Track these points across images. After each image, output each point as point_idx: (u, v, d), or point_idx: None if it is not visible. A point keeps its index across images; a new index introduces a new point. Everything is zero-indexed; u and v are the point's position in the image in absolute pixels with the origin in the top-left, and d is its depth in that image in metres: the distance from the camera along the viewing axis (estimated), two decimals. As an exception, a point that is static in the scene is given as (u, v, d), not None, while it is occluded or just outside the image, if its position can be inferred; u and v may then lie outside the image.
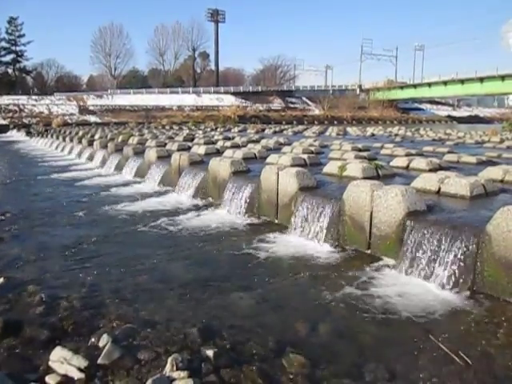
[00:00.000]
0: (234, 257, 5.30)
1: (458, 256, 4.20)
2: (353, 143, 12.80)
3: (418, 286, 4.33)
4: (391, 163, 8.49)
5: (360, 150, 11.05)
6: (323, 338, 3.44)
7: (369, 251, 5.29)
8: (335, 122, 52.28)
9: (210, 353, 3.02)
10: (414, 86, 74.26)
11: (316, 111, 69.40)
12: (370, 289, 4.30)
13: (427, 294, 4.16)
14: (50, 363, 2.93)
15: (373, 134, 21.58)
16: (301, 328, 3.56)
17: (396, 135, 20.44)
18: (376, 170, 7.26)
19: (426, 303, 3.96)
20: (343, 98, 73.73)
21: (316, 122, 51.13)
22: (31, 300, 3.99)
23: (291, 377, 2.87)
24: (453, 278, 4.18)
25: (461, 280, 4.16)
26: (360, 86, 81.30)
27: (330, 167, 7.75)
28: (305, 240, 5.77)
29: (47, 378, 2.77)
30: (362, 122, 55.74)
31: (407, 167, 8.28)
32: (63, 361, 2.89)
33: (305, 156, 8.93)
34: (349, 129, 26.23)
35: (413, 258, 4.57)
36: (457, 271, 4.18)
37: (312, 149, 11.07)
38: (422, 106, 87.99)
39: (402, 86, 76.68)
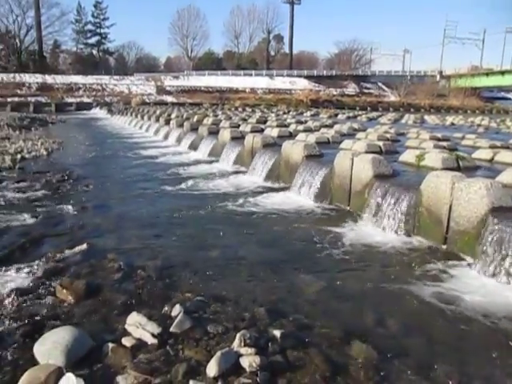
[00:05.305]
0: (303, 241, 5.27)
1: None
2: (431, 132, 12.16)
3: (496, 288, 4.02)
4: (473, 155, 7.97)
5: (439, 140, 10.48)
6: (392, 330, 3.34)
7: (444, 246, 5.02)
8: (412, 110, 49.78)
9: (277, 333, 3.05)
10: (502, 72, 68.62)
11: (392, 97, 66.65)
12: (442, 285, 4.08)
13: (506, 296, 3.87)
14: (126, 326, 3.11)
15: (453, 124, 20.37)
16: (369, 318, 3.47)
17: (479, 126, 19.12)
18: (457, 161, 6.86)
19: (504, 306, 3.69)
20: (421, 85, 70.01)
21: (391, 109, 49.01)
22: (110, 266, 4.25)
23: (358, 366, 2.81)
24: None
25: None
26: (440, 72, 76.64)
27: (407, 156, 7.43)
28: (377, 229, 5.60)
29: (123, 340, 2.94)
30: (440, 111, 52.60)
31: (491, 160, 7.74)
32: (138, 325, 3.05)
33: (380, 143, 8.63)
34: (426, 117, 24.94)
35: (493, 257, 4.26)
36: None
37: (388, 136, 10.67)
38: (510, 95, 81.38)
39: (488, 73, 71.18)
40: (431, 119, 23.09)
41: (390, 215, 5.53)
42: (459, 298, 3.82)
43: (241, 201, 7.04)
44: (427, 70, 78.42)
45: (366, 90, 70.28)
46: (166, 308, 3.38)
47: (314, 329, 3.24)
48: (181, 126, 15.90)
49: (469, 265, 4.51)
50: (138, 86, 53.71)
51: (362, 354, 2.94)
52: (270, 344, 2.94)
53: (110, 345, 2.88)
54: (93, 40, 77.91)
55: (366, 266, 4.57)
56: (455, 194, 4.92)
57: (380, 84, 74.59)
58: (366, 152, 7.29)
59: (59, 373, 2.49)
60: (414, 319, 3.53)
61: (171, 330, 3.07)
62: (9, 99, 41.26)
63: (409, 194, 5.47)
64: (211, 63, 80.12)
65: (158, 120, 19.81)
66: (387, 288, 4.03)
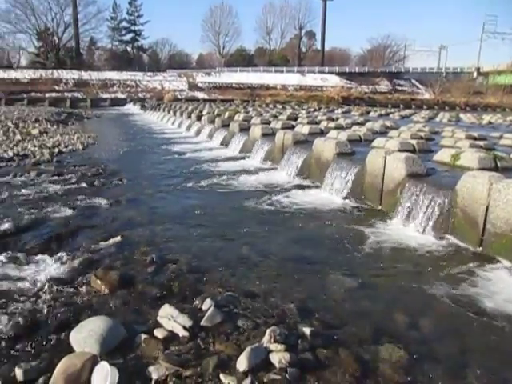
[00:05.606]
0: (333, 239, 5.23)
1: None
2: (467, 131, 11.81)
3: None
4: (512, 155, 7.70)
5: (475, 139, 10.16)
6: (423, 333, 3.27)
7: (480, 248, 4.88)
8: (446, 108, 48.42)
9: (307, 330, 3.05)
10: (545, 69, 65.82)
11: (426, 95, 65.10)
12: (477, 289, 3.96)
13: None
14: (158, 318, 3.18)
15: (490, 122, 19.68)
16: (400, 320, 3.42)
17: (518, 125, 18.43)
18: (494, 160, 6.63)
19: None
20: (457, 82, 68.06)
21: (425, 107, 47.75)
22: (143, 259, 4.35)
23: (388, 367, 2.78)
24: None
25: None
26: (478, 69, 74.11)
27: (442, 155, 7.25)
28: (409, 229, 5.50)
29: (155, 332, 3.01)
30: (476, 109, 50.89)
31: (532, 161, 7.43)
32: (170, 318, 3.11)
33: (414, 141, 8.45)
34: (462, 115, 24.17)
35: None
36: None
37: (421, 134, 10.42)
38: (553, 94, 77.87)
39: (530, 70, 68.39)
40: (467, 118, 22.42)
41: (423, 215, 5.42)
42: (495, 302, 3.71)
43: (271, 197, 7.05)
44: (464, 66, 76.03)
45: (398, 88, 68.88)
46: (197, 301, 3.44)
47: (343, 328, 3.22)
48: (212, 122, 16.04)
49: (506, 268, 4.38)
50: (171, 82, 54.32)
51: (393, 355, 2.90)
52: (299, 341, 2.94)
53: (143, 336, 2.95)
54: (127, 37, 79.34)
55: (397, 266, 4.50)
56: (493, 195, 4.77)
57: (414, 81, 72.97)
58: (399, 150, 7.16)
59: (94, 361, 2.56)
60: (447, 323, 3.46)
61: (202, 323, 3.12)
62: (47, 95, 42.63)
63: (443, 194, 5.35)
64: (243, 60, 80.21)
65: (189, 116, 20.04)
66: (419, 289, 3.95)
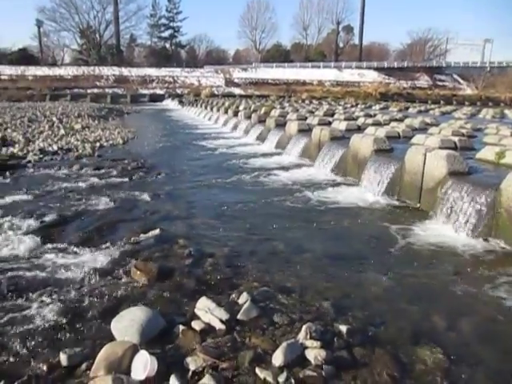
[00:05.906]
0: (369, 237, 5.16)
1: None
2: (513, 128, 11.34)
3: None
4: (563, 153, 7.33)
5: (522, 136, 9.75)
6: (464, 336, 3.18)
7: (526, 251, 4.70)
8: (490, 104, 46.51)
9: (343, 328, 3.03)
10: None
11: (468, 90, 62.84)
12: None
13: None
14: (195, 310, 3.24)
15: (538, 119, 18.82)
16: (439, 321, 3.33)
17: None
18: (543, 159, 6.36)
19: None
20: (502, 77, 65.17)
21: (467, 103, 46.03)
22: (181, 252, 4.44)
23: (426, 369, 2.73)
24: None
25: None
26: (527, 63, 70.97)
27: (485, 153, 7.00)
28: (450, 229, 5.34)
29: (193, 323, 3.07)
30: (523, 105, 48.72)
31: None
32: (207, 310, 3.17)
33: (455, 139, 8.20)
34: (507, 111, 23.22)
35: None
36: None
37: (463, 131, 10.09)
38: None
39: None
40: (513, 114, 21.52)
41: (465, 215, 5.24)
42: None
43: (306, 194, 7.02)
44: (510, 60, 72.82)
45: (439, 83, 66.79)
46: (234, 295, 3.48)
47: (380, 327, 3.18)
48: (248, 117, 16.10)
49: (553, 272, 4.20)
50: (208, 78, 54.82)
51: (431, 357, 2.84)
52: (335, 339, 2.93)
53: (181, 327, 3.01)
54: (166, 34, 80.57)
55: (436, 267, 4.38)
56: (540, 196, 4.58)
57: (455, 76, 70.52)
58: (440, 148, 6.96)
59: (134, 349, 2.64)
60: (489, 327, 3.35)
61: (238, 317, 3.15)
62: (89, 91, 43.92)
63: (486, 194, 5.16)
64: (279, 55, 79.83)
65: (226, 112, 20.18)
66: (459, 291, 3.84)
